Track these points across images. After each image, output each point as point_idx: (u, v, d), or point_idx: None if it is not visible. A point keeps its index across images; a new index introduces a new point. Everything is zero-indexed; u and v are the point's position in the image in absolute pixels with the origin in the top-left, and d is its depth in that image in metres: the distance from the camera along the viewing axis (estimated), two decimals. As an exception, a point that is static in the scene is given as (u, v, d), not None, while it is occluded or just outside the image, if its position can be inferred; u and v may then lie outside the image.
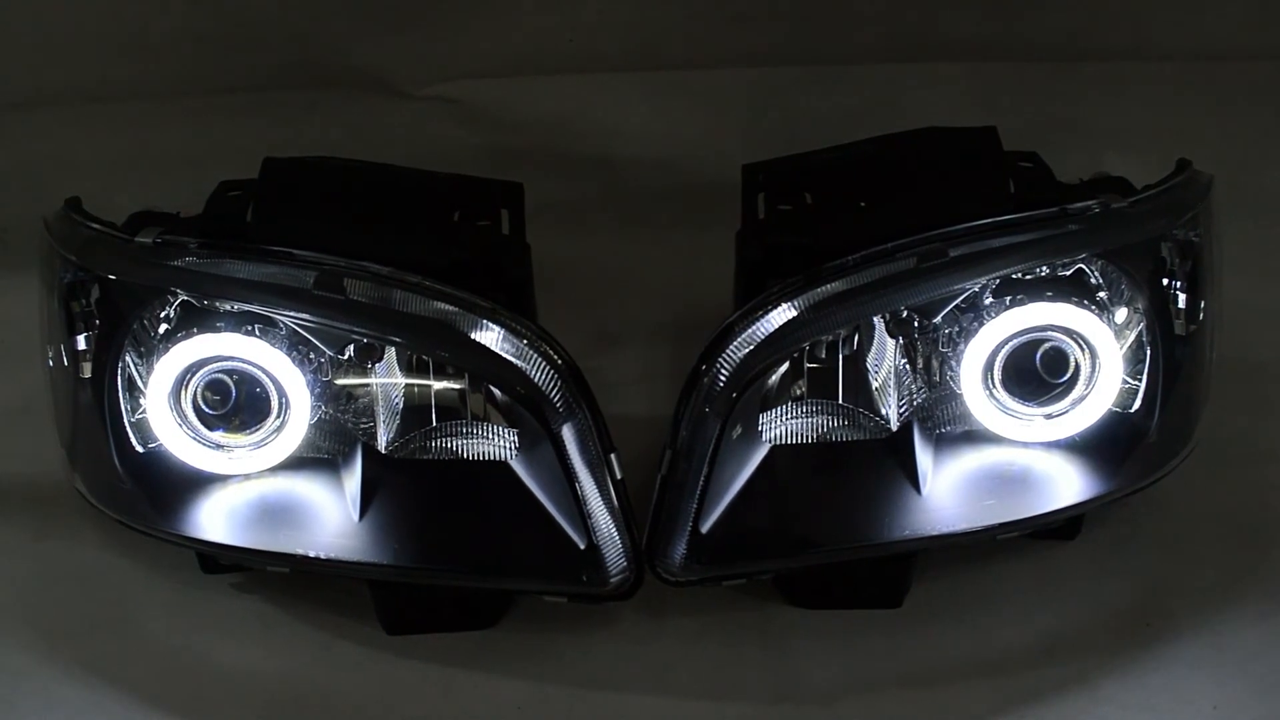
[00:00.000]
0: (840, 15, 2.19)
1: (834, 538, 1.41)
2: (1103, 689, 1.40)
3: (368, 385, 1.47)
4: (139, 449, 1.45)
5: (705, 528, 1.38)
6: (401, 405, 1.49)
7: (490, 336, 1.35)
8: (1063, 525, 1.52)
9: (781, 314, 1.36)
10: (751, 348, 1.36)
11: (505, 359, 1.34)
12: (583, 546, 1.37)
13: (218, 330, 1.41)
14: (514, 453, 1.44)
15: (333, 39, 2.22)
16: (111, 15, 2.23)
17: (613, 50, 2.20)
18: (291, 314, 1.37)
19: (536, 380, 1.34)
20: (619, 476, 1.37)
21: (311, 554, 1.39)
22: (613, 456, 1.37)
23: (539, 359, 1.34)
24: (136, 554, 1.55)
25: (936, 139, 1.56)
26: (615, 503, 1.37)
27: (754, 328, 1.36)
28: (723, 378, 1.36)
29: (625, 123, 2.18)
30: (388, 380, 1.47)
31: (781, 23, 2.18)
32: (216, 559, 1.49)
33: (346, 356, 1.44)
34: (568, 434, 1.35)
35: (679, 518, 1.37)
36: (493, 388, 1.39)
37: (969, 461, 1.47)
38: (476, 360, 1.35)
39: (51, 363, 1.48)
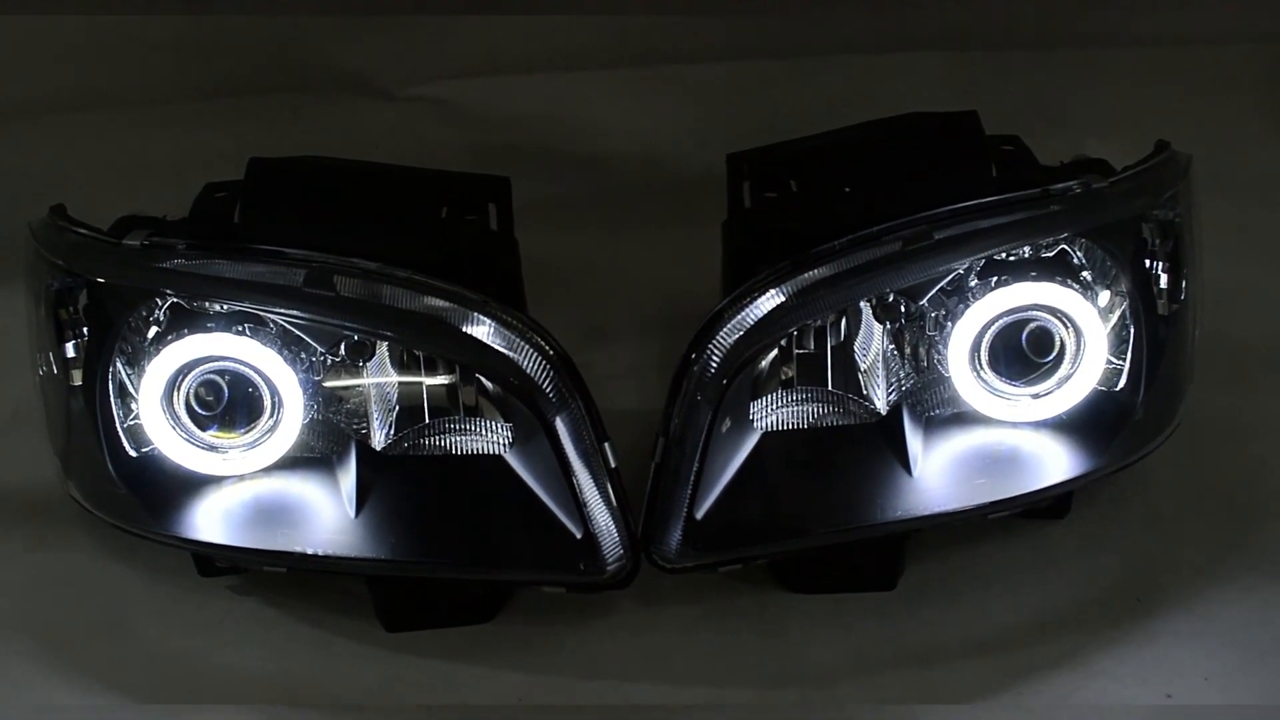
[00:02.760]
0: (818, 6, 2.19)
1: (827, 521, 1.42)
2: (1096, 663, 1.41)
3: (360, 385, 1.48)
4: (132, 453, 1.45)
5: (700, 514, 1.39)
6: (394, 403, 1.49)
7: (482, 330, 1.35)
8: (1052, 504, 1.54)
9: (770, 300, 1.37)
10: (741, 334, 1.36)
11: (498, 351, 1.35)
12: (579, 536, 1.37)
13: (208, 330, 1.41)
14: (508, 446, 1.44)
15: (314, 41, 2.22)
16: (90, 22, 2.22)
17: (594, 47, 2.20)
18: (282, 311, 1.38)
19: (529, 371, 1.34)
20: (613, 465, 1.37)
21: (309, 551, 1.39)
22: (606, 446, 1.37)
23: (531, 350, 1.35)
24: (132, 560, 1.55)
25: (919, 123, 1.57)
26: (610, 492, 1.37)
27: (743, 314, 1.37)
28: (713, 364, 1.37)
29: (609, 119, 2.19)
30: (380, 380, 1.48)
31: (760, 14, 2.18)
32: (213, 561, 1.49)
33: (340, 357, 1.45)
34: (561, 424, 1.35)
35: (673, 505, 1.38)
36: (485, 380, 1.40)
37: (959, 443, 1.48)
38: (469, 353, 1.35)
39: (42, 371, 1.49)
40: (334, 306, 1.36)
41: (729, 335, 1.37)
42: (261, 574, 1.50)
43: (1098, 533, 1.56)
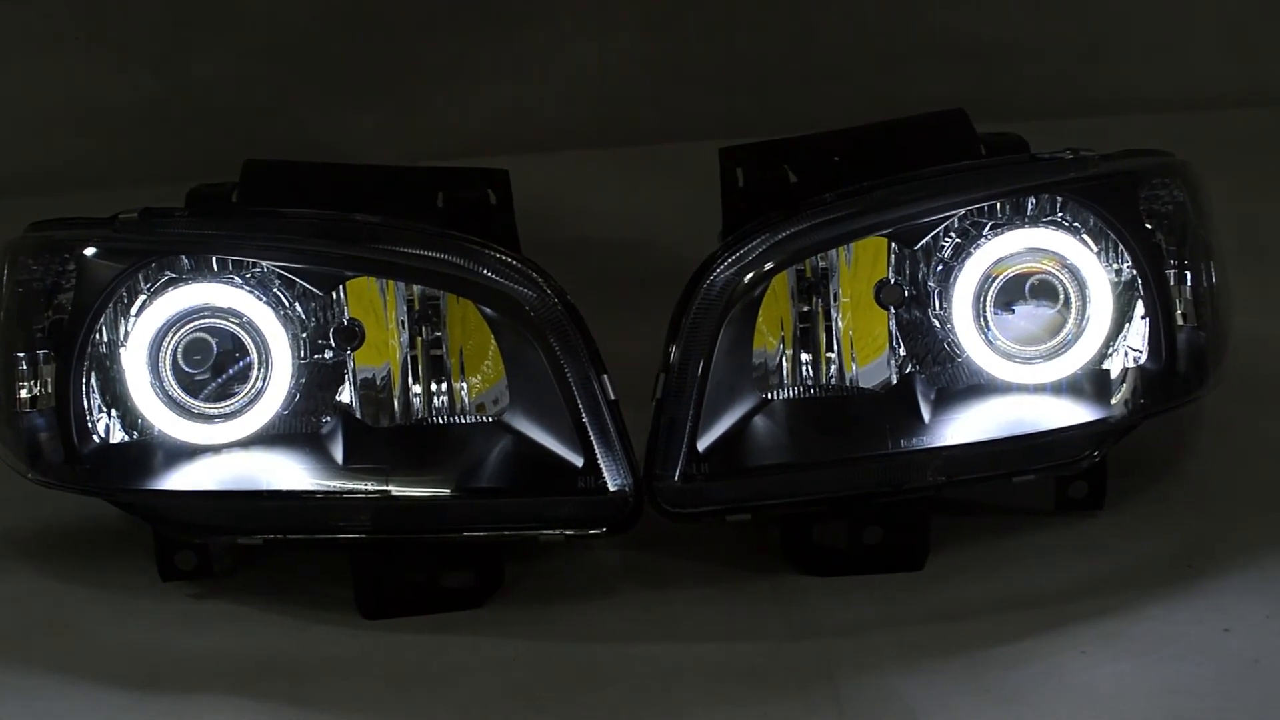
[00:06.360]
0: (809, 81, 2.21)
1: (837, 449, 1.36)
2: (1146, 610, 1.30)
3: (346, 361, 1.43)
4: (113, 435, 1.39)
5: (703, 446, 1.32)
6: (381, 378, 1.44)
7: (483, 262, 1.33)
8: (1087, 495, 1.47)
9: (763, 240, 1.35)
10: (735, 268, 1.34)
11: (499, 280, 1.32)
12: (580, 465, 1.31)
13: (204, 280, 1.38)
14: (503, 406, 1.39)
15: (295, 116, 2.19)
16: (62, 94, 2.17)
17: (581, 125, 2.20)
18: (284, 252, 1.36)
19: (530, 297, 1.31)
20: (612, 398, 1.32)
21: (297, 488, 1.33)
22: (605, 378, 1.32)
23: (533, 280, 1.33)
24: (77, 578, 1.44)
25: (909, 122, 1.59)
26: (609, 419, 1.32)
27: (738, 252, 1.35)
28: (710, 295, 1.33)
29: (597, 202, 2.13)
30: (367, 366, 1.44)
31: (752, 91, 2.19)
32: (179, 542, 1.41)
33: (331, 344, 1.41)
34: (560, 349, 1.31)
35: (675, 435, 1.32)
36: (488, 309, 1.36)
37: (973, 404, 1.42)
38: (473, 280, 1.33)
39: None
40: (341, 240, 1.35)
41: (725, 270, 1.34)
42: (226, 578, 1.40)
43: (1142, 523, 1.46)
